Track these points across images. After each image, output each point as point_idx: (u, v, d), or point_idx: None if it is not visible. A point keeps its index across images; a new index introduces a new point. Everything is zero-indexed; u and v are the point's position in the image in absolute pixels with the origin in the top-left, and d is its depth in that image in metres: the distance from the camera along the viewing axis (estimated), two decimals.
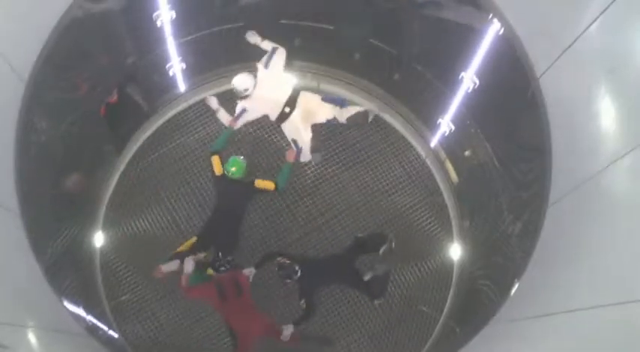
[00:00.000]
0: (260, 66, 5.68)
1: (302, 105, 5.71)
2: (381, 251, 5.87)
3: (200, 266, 5.50)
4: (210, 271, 5.49)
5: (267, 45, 5.69)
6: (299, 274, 5.54)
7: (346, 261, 5.93)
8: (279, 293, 6.05)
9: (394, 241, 5.94)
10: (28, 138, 4.17)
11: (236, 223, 5.83)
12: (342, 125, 6.00)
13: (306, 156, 5.82)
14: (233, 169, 5.65)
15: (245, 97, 5.62)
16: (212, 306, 5.62)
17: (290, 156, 5.74)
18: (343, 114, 5.75)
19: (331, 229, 6.21)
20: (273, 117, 5.79)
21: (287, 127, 5.83)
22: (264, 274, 5.96)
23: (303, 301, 5.69)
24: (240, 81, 5.57)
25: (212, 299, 5.37)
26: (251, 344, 5.43)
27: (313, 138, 5.76)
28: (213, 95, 6.02)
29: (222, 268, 5.43)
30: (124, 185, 6.28)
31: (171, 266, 5.46)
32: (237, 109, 5.70)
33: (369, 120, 5.82)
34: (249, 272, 5.66)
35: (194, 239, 5.69)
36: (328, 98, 5.81)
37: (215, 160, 5.72)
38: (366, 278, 5.84)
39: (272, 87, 5.67)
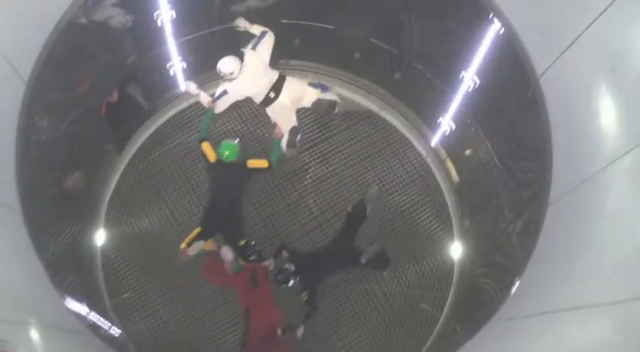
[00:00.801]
0: (247, 49, 5.50)
1: (287, 90, 5.57)
2: (368, 210, 5.96)
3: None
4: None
5: (256, 29, 5.51)
6: (296, 280, 5.67)
7: (345, 242, 5.98)
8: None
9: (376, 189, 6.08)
10: (29, 137, 4.18)
11: (236, 206, 5.94)
12: (338, 123, 6.02)
13: (283, 143, 5.67)
14: (227, 153, 5.79)
15: (230, 80, 5.43)
16: (238, 293, 5.76)
17: (278, 134, 5.78)
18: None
19: (332, 227, 6.21)
20: (257, 100, 5.65)
21: (271, 110, 5.72)
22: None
23: (305, 293, 5.75)
24: (226, 64, 5.36)
25: (241, 286, 5.61)
26: (258, 338, 5.50)
27: (290, 133, 5.61)
28: (191, 81, 5.73)
29: (253, 257, 5.67)
30: (124, 183, 6.30)
31: (197, 246, 5.65)
32: (218, 91, 5.45)
33: (335, 110, 5.66)
34: (268, 263, 5.82)
35: (198, 229, 5.76)
36: (314, 84, 5.66)
37: (206, 147, 5.82)
38: (363, 260, 5.89)
39: (258, 70, 5.51)
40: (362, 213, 6.00)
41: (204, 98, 5.50)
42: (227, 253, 5.68)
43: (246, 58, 5.48)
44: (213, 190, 5.97)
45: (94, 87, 5.51)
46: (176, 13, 5.32)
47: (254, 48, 5.48)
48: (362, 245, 6.03)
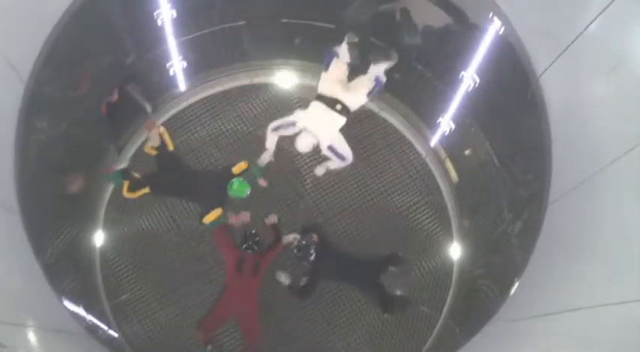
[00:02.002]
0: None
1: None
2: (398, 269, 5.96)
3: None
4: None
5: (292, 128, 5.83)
6: (312, 257, 5.72)
7: (372, 272, 5.92)
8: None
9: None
10: (28, 137, 4.17)
11: (180, 194, 6.19)
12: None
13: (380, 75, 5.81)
14: (236, 188, 6.00)
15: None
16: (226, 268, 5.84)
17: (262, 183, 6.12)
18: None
19: (332, 227, 6.20)
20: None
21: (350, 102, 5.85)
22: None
23: (305, 279, 5.81)
24: (302, 145, 5.76)
25: (228, 264, 5.73)
26: (222, 320, 5.72)
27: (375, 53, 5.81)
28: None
29: (249, 249, 5.79)
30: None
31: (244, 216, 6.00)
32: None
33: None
34: (293, 238, 5.95)
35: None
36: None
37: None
38: (398, 292, 5.88)
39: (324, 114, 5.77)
40: (395, 262, 5.99)
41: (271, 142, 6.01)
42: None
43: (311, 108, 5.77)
44: (193, 174, 6.19)
45: (93, 87, 5.50)
46: (176, 12, 5.31)
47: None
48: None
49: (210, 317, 5.72)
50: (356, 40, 5.84)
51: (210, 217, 5.90)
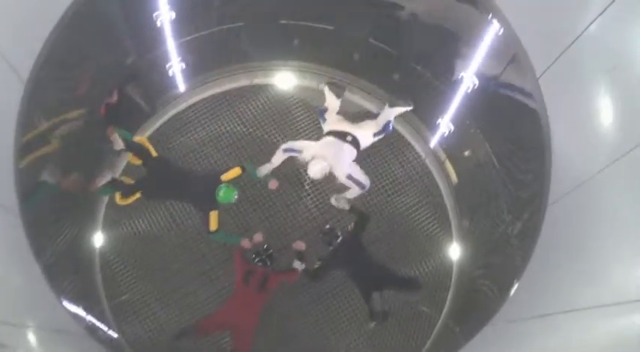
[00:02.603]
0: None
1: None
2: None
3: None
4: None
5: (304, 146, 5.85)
6: (339, 240, 5.78)
7: (382, 283, 5.91)
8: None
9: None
10: (28, 137, 4.17)
11: (173, 197, 6.16)
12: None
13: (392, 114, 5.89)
14: (221, 194, 5.70)
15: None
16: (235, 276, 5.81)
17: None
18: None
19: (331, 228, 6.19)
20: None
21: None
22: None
23: (320, 262, 5.80)
24: (317, 171, 5.61)
25: (237, 274, 5.70)
26: (218, 327, 5.65)
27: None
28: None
29: (260, 262, 5.75)
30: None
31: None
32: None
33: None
34: (335, 199, 6.02)
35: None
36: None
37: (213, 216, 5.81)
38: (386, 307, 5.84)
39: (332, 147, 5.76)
40: (411, 288, 6.04)
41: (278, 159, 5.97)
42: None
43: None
44: (184, 176, 6.03)
45: (93, 87, 5.50)
46: (176, 13, 5.32)
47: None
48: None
49: (208, 320, 5.64)
50: (331, 82, 6.09)
51: (213, 223, 5.73)
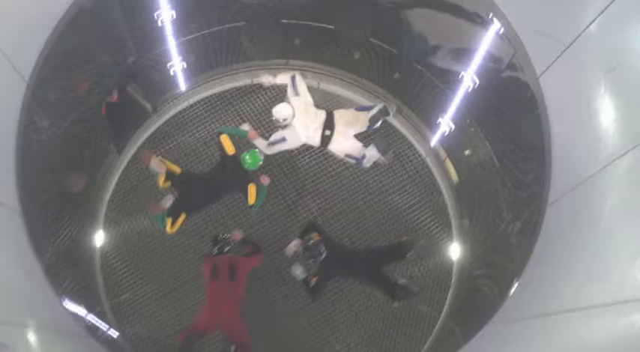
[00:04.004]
0: (290, 96, 6.11)
1: (339, 122, 6.12)
2: (410, 253, 6.04)
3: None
4: None
5: (283, 78, 6.20)
6: (323, 256, 5.72)
7: (376, 262, 6.00)
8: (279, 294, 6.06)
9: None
10: (29, 137, 4.17)
11: (213, 199, 6.19)
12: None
13: (370, 161, 6.19)
14: (249, 160, 5.96)
15: (285, 127, 6.02)
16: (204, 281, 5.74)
17: (264, 181, 6.04)
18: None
19: (331, 228, 6.21)
20: (316, 142, 6.16)
21: (334, 147, 6.21)
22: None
23: (314, 279, 5.80)
24: (281, 111, 6.01)
25: (205, 273, 5.63)
26: (205, 331, 5.56)
27: (378, 142, 6.14)
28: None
29: (215, 251, 5.70)
30: (124, 184, 6.30)
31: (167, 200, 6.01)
32: (276, 136, 6.11)
33: (390, 114, 6.23)
34: (294, 245, 5.96)
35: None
36: (361, 108, 6.19)
37: (225, 140, 6.06)
38: (402, 282, 5.93)
39: (309, 112, 6.07)
40: (406, 251, 6.04)
41: (261, 143, 6.18)
42: (167, 201, 6.00)
43: (293, 104, 5.96)
44: (212, 170, 6.18)
45: (94, 87, 5.51)
46: (176, 13, 5.32)
47: (297, 94, 6.09)
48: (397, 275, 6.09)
49: (193, 325, 5.55)
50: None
51: (252, 196, 5.94)
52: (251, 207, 6.00)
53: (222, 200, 6.24)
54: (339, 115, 6.18)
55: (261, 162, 6.07)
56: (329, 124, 6.10)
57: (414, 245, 6.04)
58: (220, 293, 5.51)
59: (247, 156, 5.99)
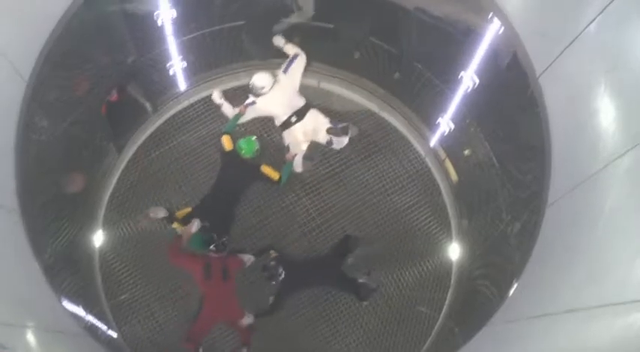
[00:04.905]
0: (279, 72, 5.94)
1: (309, 119, 5.95)
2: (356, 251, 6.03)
3: (204, 232, 5.70)
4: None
5: (289, 49, 6.01)
6: (282, 276, 5.66)
7: (333, 264, 5.98)
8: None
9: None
10: (28, 137, 4.17)
11: (233, 203, 6.04)
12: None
13: (297, 166, 6.00)
14: (244, 147, 5.95)
15: (259, 95, 5.83)
16: (194, 280, 5.67)
17: (289, 157, 5.93)
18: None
19: (330, 228, 6.21)
20: (278, 121, 6.00)
21: (287, 134, 6.05)
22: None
23: (272, 298, 5.79)
24: (260, 78, 5.79)
25: (196, 274, 5.55)
26: (208, 328, 5.63)
27: (309, 148, 5.94)
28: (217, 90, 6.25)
29: (212, 247, 5.62)
30: (124, 184, 6.30)
31: (159, 212, 5.82)
32: (248, 100, 5.93)
33: (349, 134, 5.93)
34: (247, 259, 5.87)
35: (189, 209, 5.85)
36: (335, 123, 5.92)
37: (225, 138, 6.00)
38: (360, 280, 5.90)
39: (287, 93, 5.90)
40: (351, 246, 6.03)
41: (227, 109, 6.05)
42: (193, 225, 5.68)
43: (278, 78, 5.85)
44: (219, 178, 6.06)
45: (94, 87, 5.51)
46: (176, 12, 5.32)
47: (285, 71, 5.94)
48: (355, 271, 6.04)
49: (195, 327, 5.58)
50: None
51: (272, 173, 5.93)
52: (278, 182, 5.93)
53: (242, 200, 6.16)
54: (312, 115, 6.00)
55: (257, 148, 6.03)
56: (300, 114, 5.96)
57: (359, 239, 6.05)
58: (218, 293, 5.54)
59: (242, 144, 5.98)
